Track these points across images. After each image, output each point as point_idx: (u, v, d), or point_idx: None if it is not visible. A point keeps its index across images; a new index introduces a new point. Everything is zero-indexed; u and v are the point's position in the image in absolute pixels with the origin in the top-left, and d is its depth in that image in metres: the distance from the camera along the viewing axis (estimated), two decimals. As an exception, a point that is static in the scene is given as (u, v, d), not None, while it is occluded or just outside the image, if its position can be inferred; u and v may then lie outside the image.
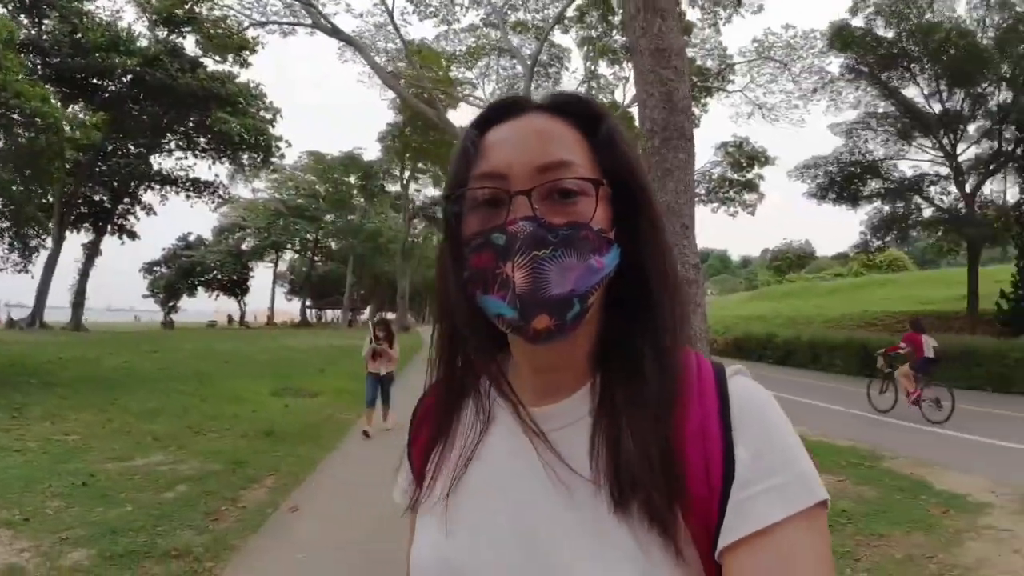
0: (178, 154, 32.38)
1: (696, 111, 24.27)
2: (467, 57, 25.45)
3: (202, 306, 57.20)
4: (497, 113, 0.64)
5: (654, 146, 5.85)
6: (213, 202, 34.59)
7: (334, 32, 17.14)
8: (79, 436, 6.40)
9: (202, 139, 31.22)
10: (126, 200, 31.74)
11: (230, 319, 54.18)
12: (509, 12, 23.05)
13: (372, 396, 7.53)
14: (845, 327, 20.24)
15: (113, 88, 25.91)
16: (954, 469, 5.77)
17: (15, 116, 11.67)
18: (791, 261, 63.00)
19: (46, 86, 16.49)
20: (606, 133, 0.62)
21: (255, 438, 6.70)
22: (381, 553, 3.62)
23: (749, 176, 26.43)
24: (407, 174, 40.62)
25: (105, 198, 30.92)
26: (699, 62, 22.25)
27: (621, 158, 0.62)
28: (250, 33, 21.13)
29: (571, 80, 29.25)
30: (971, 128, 17.88)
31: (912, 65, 16.28)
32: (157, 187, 31.57)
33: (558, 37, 23.71)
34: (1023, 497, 4.82)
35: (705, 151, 27.29)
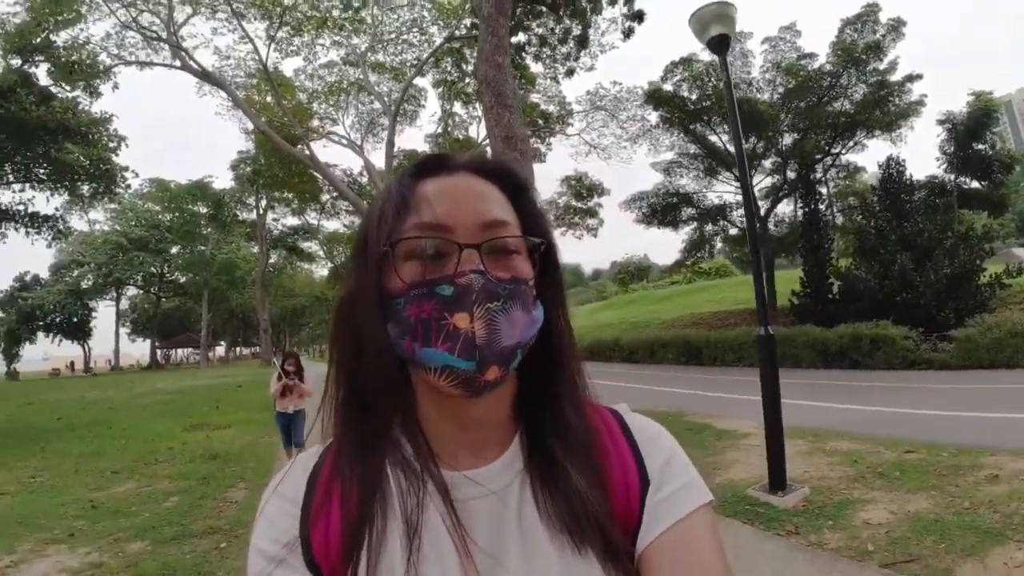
0: (16, 187, 29.86)
1: (542, 149, 27.55)
2: (327, 94, 26.58)
3: (37, 353, 51.53)
4: (428, 167, 0.64)
5: None
6: (52, 237, 32.16)
7: (204, 76, 17.66)
8: (46, 476, 7.14)
9: (41, 170, 29.16)
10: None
11: (72, 366, 49.53)
12: (369, 54, 24.60)
13: (287, 438, 6.76)
14: (676, 327, 24.05)
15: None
16: (733, 417, 8.40)
17: None
18: (632, 273, 70.30)
19: None
20: (529, 199, 0.66)
21: (204, 461, 7.78)
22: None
23: (590, 204, 30.33)
24: (263, 203, 40.07)
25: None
26: (543, 107, 25.42)
27: (541, 223, 0.66)
28: (105, 62, 20.91)
29: (429, 119, 31.21)
30: (767, 163, 22.33)
31: (712, 119, 20.24)
32: (-3, 224, 28.80)
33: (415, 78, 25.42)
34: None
35: (552, 183, 30.59)
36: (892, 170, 16.88)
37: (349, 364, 0.62)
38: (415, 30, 24.08)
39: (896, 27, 18.48)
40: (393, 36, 24.42)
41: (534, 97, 24.61)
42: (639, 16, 17.48)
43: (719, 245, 25.85)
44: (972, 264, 15.06)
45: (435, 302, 0.56)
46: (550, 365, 0.65)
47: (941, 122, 19.29)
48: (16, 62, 23.56)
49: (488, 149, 9.89)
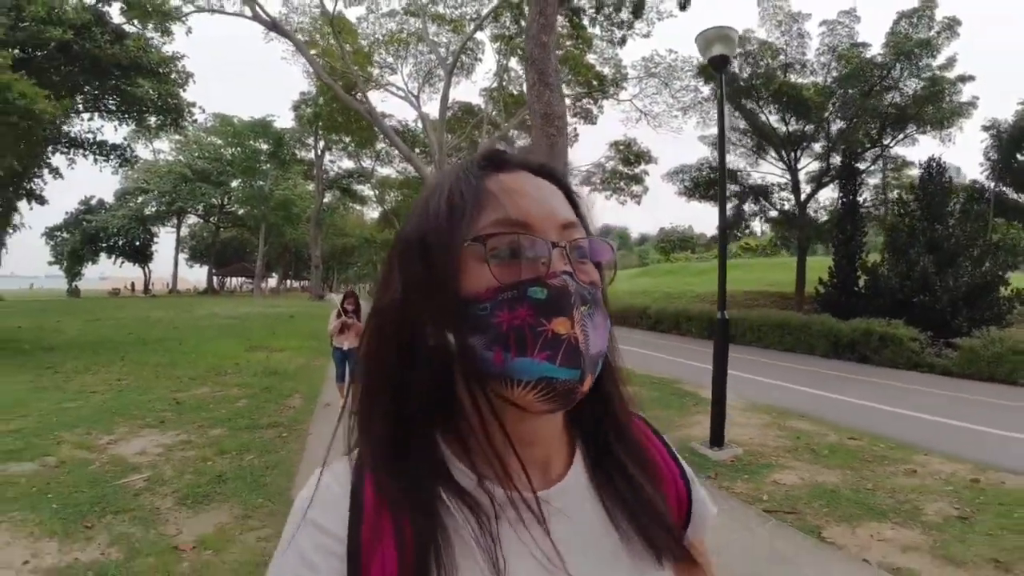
0: (85, 116, 31.97)
1: (594, 111, 28.00)
2: (387, 43, 27.40)
3: (94, 272, 55.08)
4: (494, 162, 0.60)
5: None
6: (119, 165, 34.29)
7: (273, 26, 18.78)
8: (130, 380, 8.65)
9: (111, 101, 31.08)
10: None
11: (133, 286, 52.95)
12: (430, 5, 25.23)
13: (341, 371, 7.19)
14: (704, 302, 24.72)
15: (41, 56, 25.88)
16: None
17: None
18: (675, 243, 70.39)
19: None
20: (584, 210, 0.63)
21: (266, 376, 9.21)
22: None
23: (636, 171, 30.72)
24: (321, 144, 41.51)
25: (16, 163, 30.23)
26: (598, 68, 25.74)
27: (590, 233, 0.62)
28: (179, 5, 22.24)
29: (484, 74, 31.76)
30: (817, 146, 22.40)
31: (761, 97, 20.38)
32: (65, 150, 31.07)
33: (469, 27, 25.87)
34: (749, 402, 8.36)
35: (600, 147, 31.04)
36: (932, 171, 16.93)
37: (393, 376, 0.56)
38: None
39: (951, 26, 18.19)
40: (454, -12, 24.89)
41: (590, 58, 25.01)
42: (693, -15, 17.67)
43: (757, 225, 26.06)
44: (994, 275, 15.22)
45: (528, 306, 0.51)
46: (604, 379, 0.62)
47: (986, 128, 18.98)
48: (90, 1, 25.28)
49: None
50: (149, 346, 12.58)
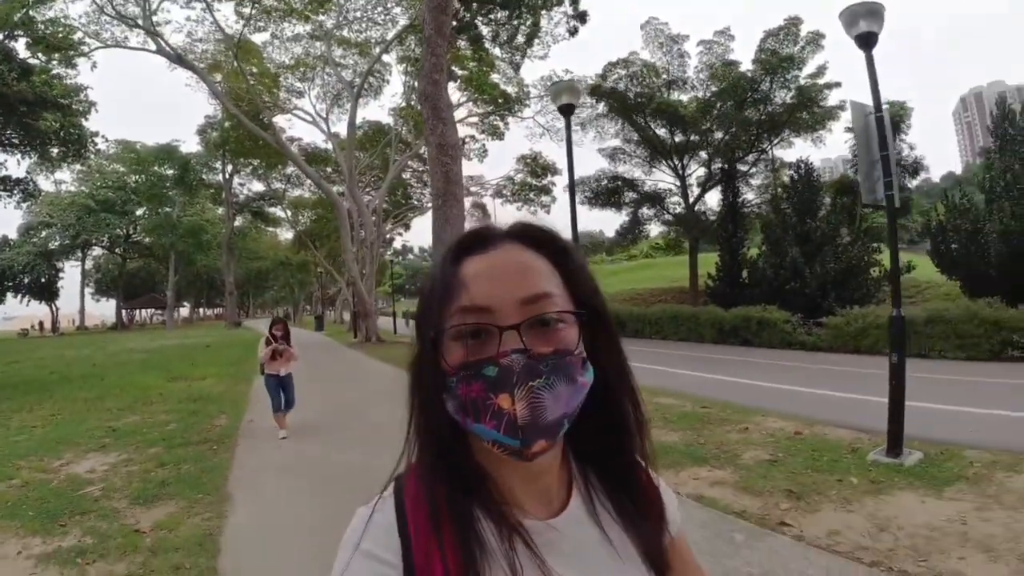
0: None
1: (501, 126, 29.46)
2: (293, 67, 27.75)
3: (2, 312, 51.85)
4: (470, 244, 0.67)
5: (438, 205, 10.16)
6: (21, 199, 32.73)
7: (179, 60, 18.97)
8: (64, 415, 9.05)
9: (13, 134, 29.80)
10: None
11: (41, 326, 50.15)
12: (335, 30, 25.83)
13: (277, 400, 7.20)
14: (615, 301, 26.54)
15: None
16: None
17: None
18: (586, 248, 73.45)
19: None
20: (575, 265, 0.67)
21: (191, 402, 9.79)
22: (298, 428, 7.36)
23: (544, 182, 32.45)
24: (229, 168, 40.99)
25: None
26: (503, 87, 27.17)
27: (588, 288, 0.68)
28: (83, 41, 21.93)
29: (391, 96, 32.58)
30: (703, 154, 24.64)
31: (647, 113, 22.41)
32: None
33: (376, 51, 26.64)
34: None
35: (508, 161, 32.59)
36: (801, 171, 19.21)
37: (420, 418, 0.67)
38: (379, 9, 25.40)
39: (815, 39, 20.71)
40: (359, 15, 25.62)
41: (495, 77, 26.39)
42: (582, 16, 19.38)
43: (654, 228, 28.36)
44: (860, 260, 17.51)
45: (481, 383, 0.59)
46: (610, 419, 0.71)
47: (849, 130, 21.73)
48: None
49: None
50: (74, 383, 12.76)
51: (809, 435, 6.29)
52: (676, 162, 24.09)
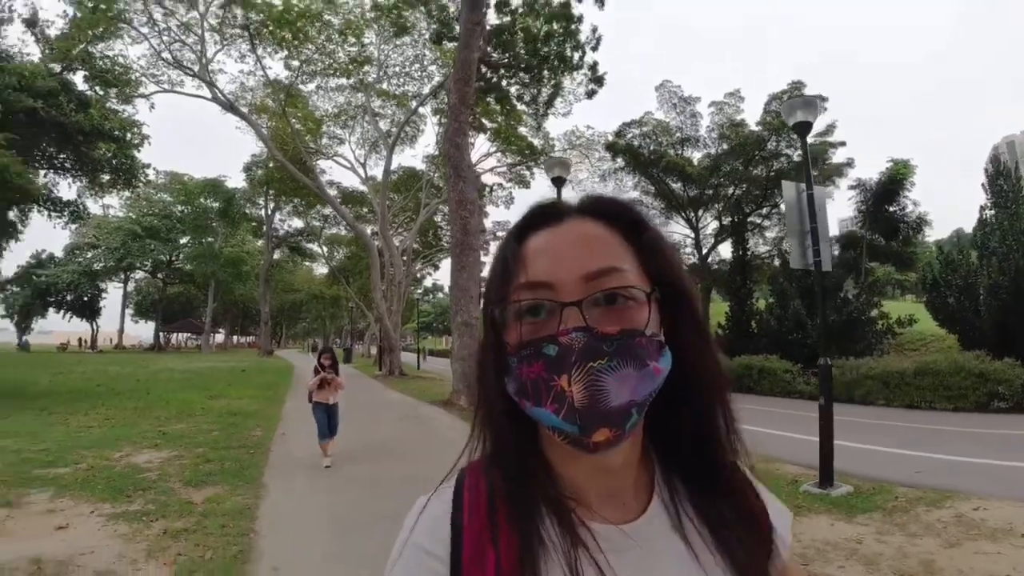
0: (41, 172, 32.92)
1: (527, 175, 31.08)
2: (335, 116, 29.93)
3: (41, 326, 54.60)
4: (536, 219, 0.64)
5: (456, 253, 11.48)
6: (70, 220, 35.03)
7: (230, 108, 20.97)
8: (115, 420, 10.36)
9: (68, 160, 32.24)
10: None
11: (81, 342, 52.65)
12: (375, 84, 27.92)
13: (323, 428, 7.31)
14: None
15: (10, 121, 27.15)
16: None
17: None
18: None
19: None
20: (651, 239, 0.62)
21: (229, 416, 11.04)
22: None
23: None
24: (271, 204, 43.47)
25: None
26: (530, 139, 28.88)
27: (666, 263, 0.62)
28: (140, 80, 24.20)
29: (425, 145, 34.89)
30: (716, 207, 25.81)
31: (660, 168, 23.78)
32: (21, 206, 31.90)
33: (413, 104, 28.62)
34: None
35: (532, 211, 34.39)
36: (804, 227, 20.14)
37: (483, 406, 0.65)
38: (416, 66, 27.44)
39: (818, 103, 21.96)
40: (397, 70, 27.69)
41: (522, 130, 28.11)
42: (599, 80, 20.91)
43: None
44: (862, 313, 18.22)
45: (542, 362, 0.56)
46: (697, 415, 0.64)
47: (853, 187, 22.70)
48: (56, 68, 26.92)
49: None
50: (122, 395, 14.15)
51: (760, 469, 6.95)
52: (690, 214, 25.29)
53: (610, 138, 24.80)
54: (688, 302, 0.63)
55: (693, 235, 26.00)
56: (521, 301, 0.59)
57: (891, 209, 23.25)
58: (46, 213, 32.81)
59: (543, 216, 0.64)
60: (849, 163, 23.50)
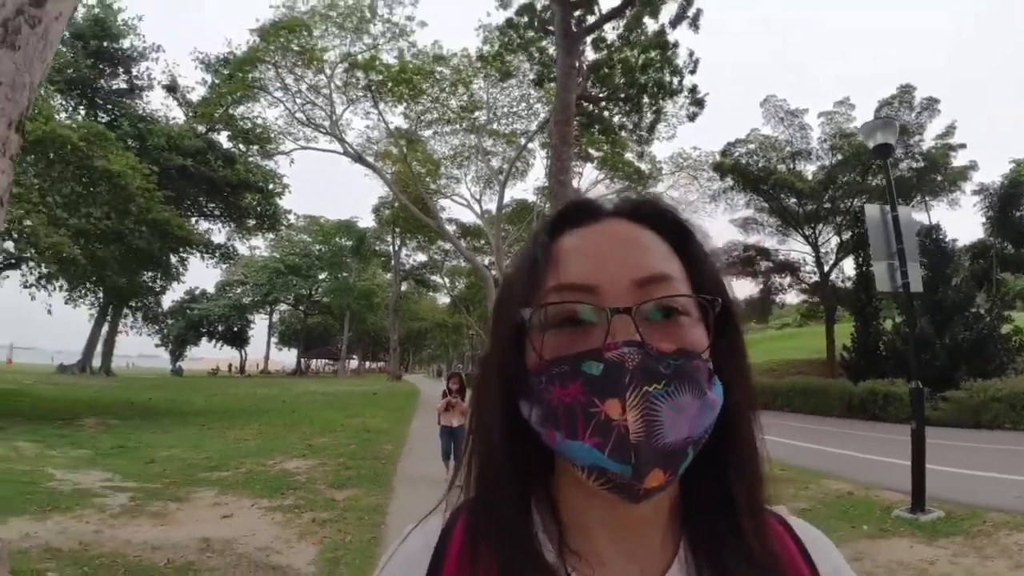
0: (193, 220, 37.71)
1: (634, 201, 31.48)
2: (452, 158, 32.13)
3: (192, 353, 61.68)
4: (569, 217, 0.55)
5: None
6: (220, 260, 39.69)
7: (359, 159, 23.44)
8: (267, 435, 12.12)
9: (217, 208, 36.78)
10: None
11: (230, 367, 59.18)
12: (486, 125, 29.75)
13: (447, 449, 7.52)
14: (756, 372, 26.64)
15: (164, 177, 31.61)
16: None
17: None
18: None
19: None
20: (699, 248, 0.54)
21: (364, 432, 12.51)
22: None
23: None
24: (398, 241, 46.92)
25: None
26: (636, 163, 29.33)
27: (715, 277, 0.53)
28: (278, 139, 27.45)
29: (535, 179, 36.69)
30: (839, 220, 24.82)
31: (770, 184, 23.31)
32: (180, 250, 36.92)
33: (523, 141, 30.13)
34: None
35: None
36: (930, 237, 18.83)
37: (478, 435, 0.54)
38: (523, 105, 28.92)
39: (930, 106, 20.63)
40: (505, 110, 29.31)
41: (628, 155, 28.65)
42: (700, 103, 21.03)
43: (791, 297, 28.32)
44: (992, 330, 16.86)
45: (581, 383, 0.45)
46: (727, 460, 0.52)
47: (976, 192, 20.90)
48: (201, 129, 30.99)
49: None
50: (270, 413, 16.23)
51: (858, 495, 7.06)
52: (807, 231, 24.44)
53: (717, 158, 24.67)
54: (736, 323, 0.54)
55: (813, 252, 25.03)
56: (557, 304, 0.49)
57: (1018, 214, 21.25)
58: (200, 255, 37.86)
59: (578, 214, 0.55)
60: (972, 166, 21.80)
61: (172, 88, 30.86)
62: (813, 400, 18.92)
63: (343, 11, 22.39)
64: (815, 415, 18.18)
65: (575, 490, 0.52)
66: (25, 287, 20.89)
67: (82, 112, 28.51)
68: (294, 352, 65.99)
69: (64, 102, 28.38)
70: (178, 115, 30.59)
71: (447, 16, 31.09)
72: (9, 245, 15.64)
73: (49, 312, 22.33)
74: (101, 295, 30.37)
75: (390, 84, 22.21)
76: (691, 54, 19.52)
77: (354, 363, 79.33)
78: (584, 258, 0.51)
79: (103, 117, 29.00)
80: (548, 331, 0.49)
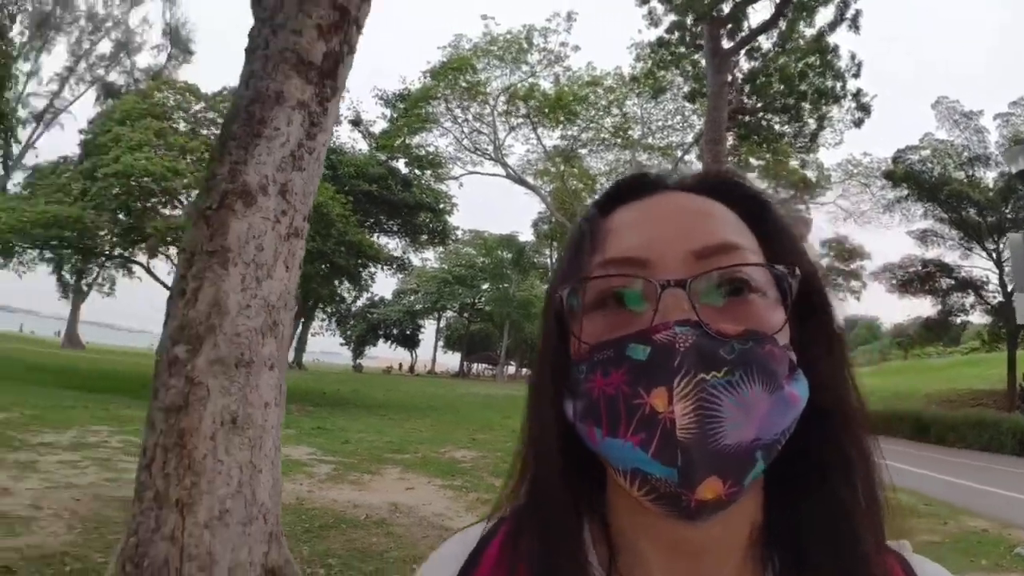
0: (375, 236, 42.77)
1: (802, 211, 30.13)
2: (608, 173, 33.02)
3: (373, 353, 68.94)
4: (625, 189, 0.48)
5: None
6: (397, 271, 44.45)
7: (520, 182, 25.37)
8: (437, 428, 13.97)
9: (394, 224, 41.31)
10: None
11: (400, 367, 65.64)
12: (641, 139, 30.28)
13: None
14: (936, 402, 24.17)
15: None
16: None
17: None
18: (911, 339, 63.59)
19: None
20: (774, 218, 0.46)
21: (518, 432, 13.91)
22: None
23: (852, 267, 31.60)
24: (555, 254, 49.13)
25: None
26: (801, 171, 28.18)
27: (798, 255, 0.44)
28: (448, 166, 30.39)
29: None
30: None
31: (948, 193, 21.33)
32: (370, 266, 42.04)
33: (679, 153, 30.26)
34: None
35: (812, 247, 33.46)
36: None
37: (528, 437, 0.49)
38: (677, 118, 29.09)
39: None
40: (660, 124, 29.66)
41: (793, 163, 27.68)
42: (866, 108, 19.97)
43: (974, 318, 25.37)
44: None
45: (625, 370, 0.38)
46: (827, 469, 0.42)
47: None
48: (382, 157, 34.91)
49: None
50: (439, 410, 18.30)
51: (993, 533, 6.94)
52: (991, 244, 21.97)
53: (889, 164, 23.05)
54: (825, 309, 0.45)
55: (996, 270, 22.39)
56: (600, 278, 0.42)
57: None
58: (381, 268, 42.59)
59: (634, 187, 0.48)
60: None
61: (357, 122, 35.06)
62: (986, 435, 17.14)
63: (502, 44, 24.46)
64: (987, 452, 16.49)
65: (625, 505, 0.44)
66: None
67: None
68: (457, 355, 71.01)
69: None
70: (363, 146, 34.69)
71: (598, 35, 32.24)
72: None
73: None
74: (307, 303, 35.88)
75: (547, 111, 23.84)
76: (853, 57, 18.77)
77: (511, 369, 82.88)
78: (635, 230, 0.44)
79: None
80: (591, 312, 0.42)
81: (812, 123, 21.90)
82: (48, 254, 19.31)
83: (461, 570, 0.49)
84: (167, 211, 15.62)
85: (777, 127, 22.25)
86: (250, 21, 2.87)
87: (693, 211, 0.44)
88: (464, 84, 23.66)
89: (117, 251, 17.81)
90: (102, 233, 15.68)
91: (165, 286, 18.69)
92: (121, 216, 15.07)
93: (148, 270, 18.49)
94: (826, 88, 19.51)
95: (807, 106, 20.26)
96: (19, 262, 19.66)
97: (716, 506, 0.37)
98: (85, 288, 36.31)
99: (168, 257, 16.91)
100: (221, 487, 2.41)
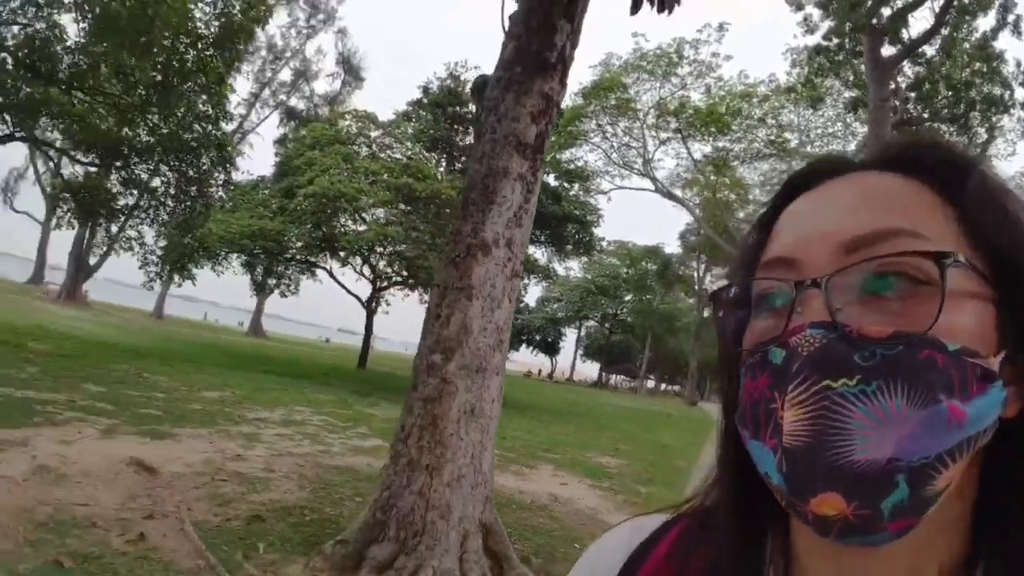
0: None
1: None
2: (761, 184, 31.90)
3: (515, 356, 71.03)
4: (806, 177, 0.44)
5: None
6: (542, 279, 45.88)
7: (669, 196, 25.48)
8: (580, 434, 14.66)
9: (542, 235, 42.69)
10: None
11: (539, 372, 67.18)
12: (799, 148, 28.99)
13: None
14: None
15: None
16: None
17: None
18: None
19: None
20: (980, 191, 0.38)
21: (660, 447, 14.31)
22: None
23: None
24: (702, 267, 47.87)
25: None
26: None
27: (1010, 230, 0.37)
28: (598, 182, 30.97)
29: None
30: None
31: None
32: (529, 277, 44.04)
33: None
34: None
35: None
36: None
37: (722, 443, 0.47)
38: (839, 124, 27.50)
39: None
40: (819, 131, 28.23)
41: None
42: (1038, 115, 17.87)
43: None
44: None
45: (768, 374, 0.37)
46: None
47: None
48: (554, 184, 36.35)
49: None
50: (580, 416, 19.08)
51: None
52: None
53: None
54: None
55: None
56: (759, 279, 0.42)
57: None
58: (528, 277, 44.23)
59: (818, 171, 0.44)
60: None
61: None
62: None
63: (652, 59, 24.74)
64: None
65: (799, 530, 0.42)
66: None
67: (443, 165, 36.36)
68: (595, 365, 71.26)
69: (426, 155, 36.71)
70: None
71: (750, 44, 31.33)
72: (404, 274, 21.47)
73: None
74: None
75: (699, 124, 23.79)
76: (1019, 64, 17.11)
77: (651, 383, 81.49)
78: (792, 227, 0.42)
79: (457, 166, 36.61)
80: (755, 317, 0.41)
81: (983, 133, 19.97)
82: (245, 258, 22.70)
83: (628, 560, 0.49)
84: (354, 225, 17.91)
85: (945, 137, 20.31)
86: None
87: (862, 195, 0.39)
88: (614, 102, 24.27)
89: (307, 257, 20.52)
90: (298, 244, 18.26)
91: (346, 289, 21.31)
92: (313, 228, 17.47)
93: (332, 275, 21.11)
94: (995, 96, 17.88)
95: (976, 115, 18.59)
96: (218, 264, 23.31)
97: (847, 528, 0.33)
98: (272, 286, 41.60)
99: (350, 264, 19.31)
100: (460, 458, 3.34)
